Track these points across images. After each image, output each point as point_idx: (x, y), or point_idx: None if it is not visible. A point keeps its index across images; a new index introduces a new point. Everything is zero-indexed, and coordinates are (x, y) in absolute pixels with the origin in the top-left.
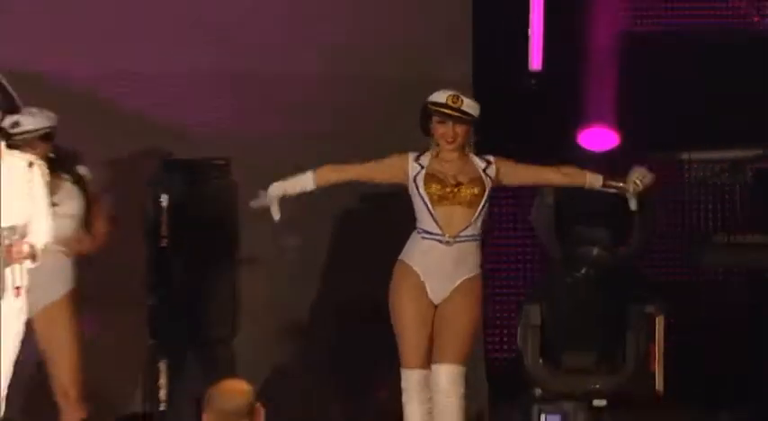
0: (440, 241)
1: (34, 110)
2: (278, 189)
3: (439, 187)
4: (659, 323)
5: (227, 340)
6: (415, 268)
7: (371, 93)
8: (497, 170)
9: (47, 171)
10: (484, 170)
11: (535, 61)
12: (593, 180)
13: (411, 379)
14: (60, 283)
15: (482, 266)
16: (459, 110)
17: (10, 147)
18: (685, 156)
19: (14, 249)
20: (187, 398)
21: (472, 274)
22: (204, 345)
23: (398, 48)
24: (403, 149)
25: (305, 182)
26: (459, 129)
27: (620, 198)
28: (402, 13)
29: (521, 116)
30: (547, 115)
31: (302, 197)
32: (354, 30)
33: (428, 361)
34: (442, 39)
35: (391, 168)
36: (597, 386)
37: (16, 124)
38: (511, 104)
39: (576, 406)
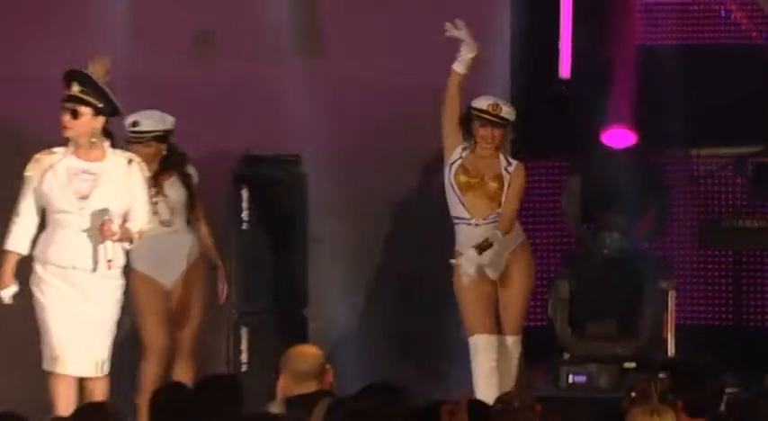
0: (468, 224)
1: (156, 113)
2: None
3: (465, 178)
4: (671, 297)
5: (300, 310)
6: (462, 249)
7: (422, 98)
8: (514, 173)
9: (146, 167)
10: (506, 168)
11: (564, 70)
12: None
13: (476, 343)
14: (187, 256)
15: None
16: (498, 116)
17: (114, 146)
18: (695, 152)
19: (104, 227)
20: (265, 360)
21: (517, 244)
22: (280, 314)
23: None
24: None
25: (458, 67)
26: (497, 132)
27: (638, 190)
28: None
29: (552, 117)
30: (574, 116)
31: (367, 186)
32: (405, 41)
33: (490, 326)
34: (484, 50)
35: (454, 137)
36: (620, 351)
37: (135, 123)
38: (543, 107)
39: (599, 367)
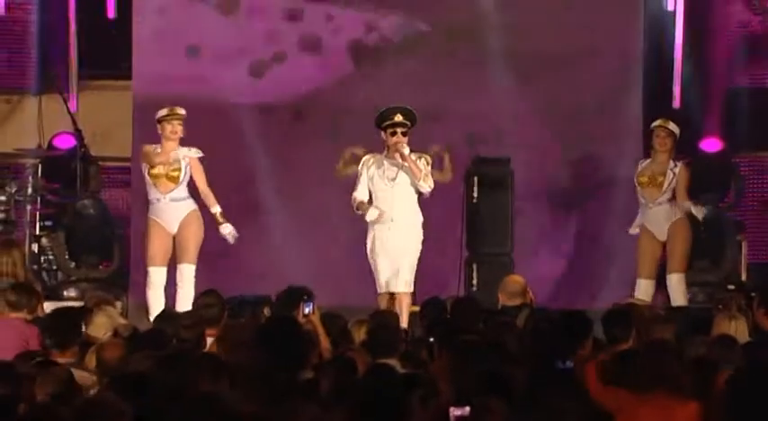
0: (646, 205)
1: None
2: None
3: (645, 179)
4: (744, 245)
5: (509, 252)
6: (643, 222)
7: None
8: (677, 172)
9: (430, 162)
10: (671, 169)
11: (676, 102)
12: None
13: (639, 284)
14: None
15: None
16: (667, 128)
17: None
18: (760, 154)
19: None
20: (488, 284)
21: (677, 217)
22: (496, 255)
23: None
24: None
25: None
26: (668, 139)
27: (723, 178)
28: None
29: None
30: (685, 132)
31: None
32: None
33: (652, 273)
34: (624, 89)
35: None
36: (711, 279)
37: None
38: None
39: (698, 289)
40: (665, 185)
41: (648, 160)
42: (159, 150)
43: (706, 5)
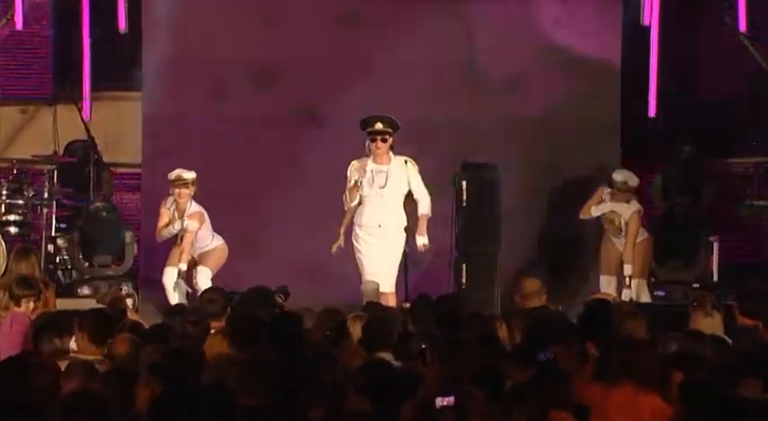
0: (608, 232)
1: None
2: None
3: (607, 218)
4: (715, 245)
5: (496, 251)
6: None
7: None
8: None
9: (416, 165)
10: (627, 216)
11: (651, 111)
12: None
13: (601, 280)
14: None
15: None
16: (627, 184)
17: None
18: (728, 160)
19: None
20: (476, 282)
21: (638, 240)
22: (483, 255)
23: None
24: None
25: None
26: (627, 192)
27: (697, 182)
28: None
29: (643, 138)
30: (657, 138)
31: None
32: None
33: (614, 271)
34: (603, 98)
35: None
36: (685, 277)
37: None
38: (640, 134)
39: (673, 286)
40: (623, 230)
41: (609, 196)
42: (172, 209)
43: (679, 22)
